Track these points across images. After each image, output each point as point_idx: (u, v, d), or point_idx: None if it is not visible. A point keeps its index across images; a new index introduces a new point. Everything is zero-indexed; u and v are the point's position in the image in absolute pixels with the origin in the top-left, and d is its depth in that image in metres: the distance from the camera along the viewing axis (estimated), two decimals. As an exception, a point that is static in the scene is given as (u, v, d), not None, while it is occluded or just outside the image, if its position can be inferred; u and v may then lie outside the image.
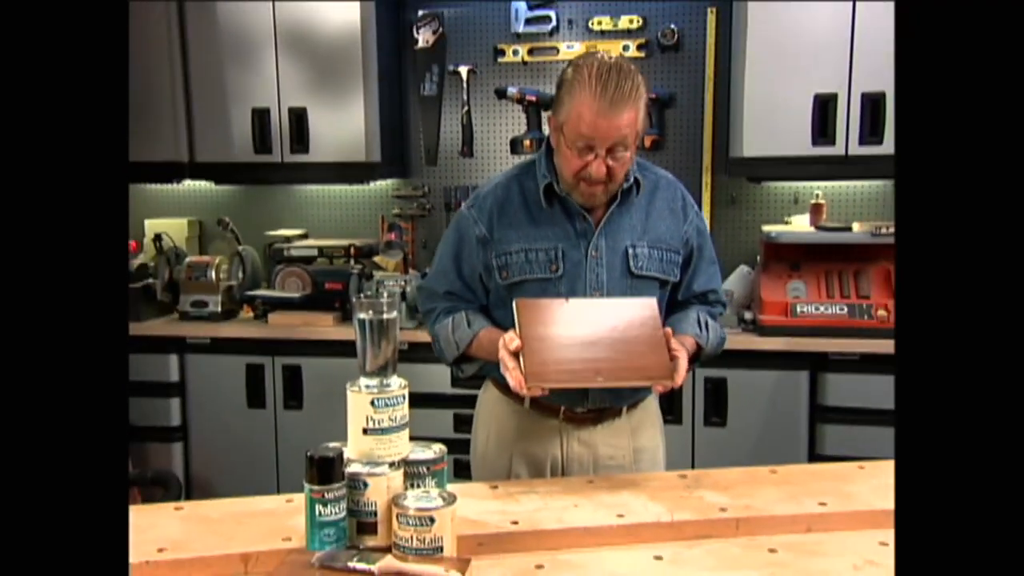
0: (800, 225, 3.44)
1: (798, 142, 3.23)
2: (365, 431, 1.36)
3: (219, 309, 3.58)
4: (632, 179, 1.79)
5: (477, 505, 1.53)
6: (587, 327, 1.65)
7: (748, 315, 3.25)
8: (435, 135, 3.87)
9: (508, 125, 3.80)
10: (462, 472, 3.24)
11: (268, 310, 3.54)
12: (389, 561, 1.28)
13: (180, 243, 3.85)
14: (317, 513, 1.32)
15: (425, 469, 1.41)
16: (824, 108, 3.19)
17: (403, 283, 3.42)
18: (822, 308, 3.14)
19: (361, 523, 1.35)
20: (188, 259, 3.66)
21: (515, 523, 1.46)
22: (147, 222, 3.97)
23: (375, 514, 1.35)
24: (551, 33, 3.69)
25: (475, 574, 1.31)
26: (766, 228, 3.36)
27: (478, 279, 1.84)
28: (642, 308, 1.70)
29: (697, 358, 1.84)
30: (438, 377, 3.32)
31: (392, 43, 3.77)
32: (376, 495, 1.34)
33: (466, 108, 3.79)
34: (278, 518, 1.49)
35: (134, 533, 1.39)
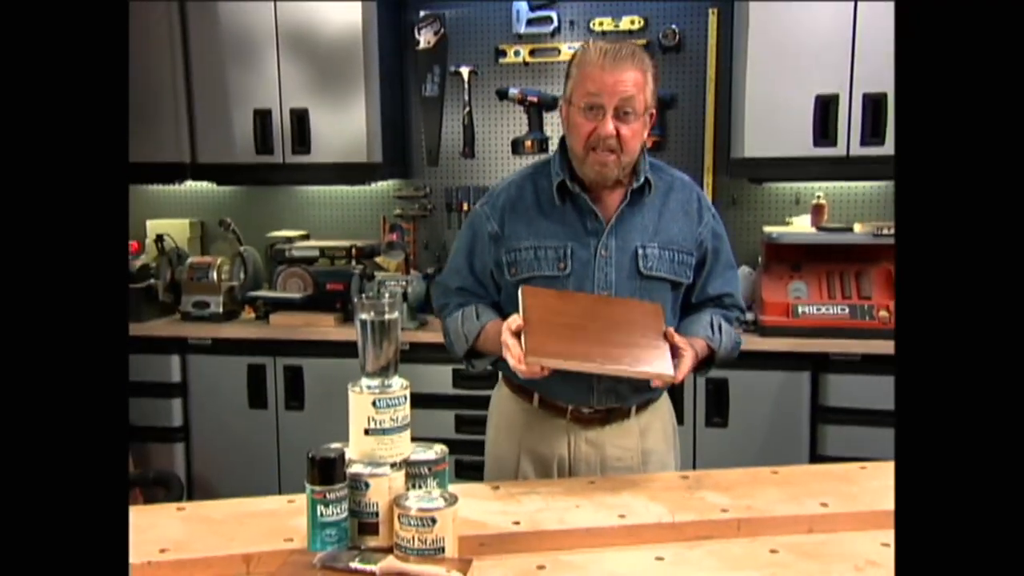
0: (801, 226, 3.44)
1: (799, 143, 3.22)
2: (367, 432, 1.36)
3: (221, 310, 3.58)
4: (643, 178, 1.79)
5: (479, 506, 1.54)
6: (591, 318, 1.65)
7: (749, 316, 3.24)
8: (436, 136, 3.87)
9: (509, 126, 3.80)
10: (464, 473, 3.25)
11: (269, 311, 3.54)
12: (390, 562, 1.28)
13: (182, 244, 3.85)
14: (319, 514, 1.32)
15: (427, 470, 1.41)
16: (825, 109, 3.19)
17: (404, 284, 3.42)
18: (823, 309, 3.14)
19: (363, 524, 1.35)
20: (190, 260, 3.67)
21: (517, 524, 1.46)
22: (149, 223, 3.97)
23: (377, 515, 1.35)
24: (552, 34, 3.69)
25: (477, 575, 1.31)
26: (767, 229, 3.36)
27: (490, 276, 1.86)
28: (648, 309, 1.70)
29: (710, 362, 1.83)
30: (440, 378, 3.32)
31: (393, 44, 3.77)
32: (377, 496, 1.35)
33: (467, 109, 3.79)
34: (280, 519, 1.49)
35: (136, 533, 1.39)
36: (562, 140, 1.84)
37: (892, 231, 3.10)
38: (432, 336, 3.32)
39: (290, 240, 3.74)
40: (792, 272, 3.26)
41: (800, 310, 3.14)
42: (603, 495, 1.60)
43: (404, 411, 1.38)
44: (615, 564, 1.38)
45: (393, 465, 1.37)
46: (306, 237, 3.89)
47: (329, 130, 3.56)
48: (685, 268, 1.82)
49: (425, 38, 3.79)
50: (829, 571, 1.35)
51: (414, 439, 1.43)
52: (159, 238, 3.70)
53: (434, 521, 1.29)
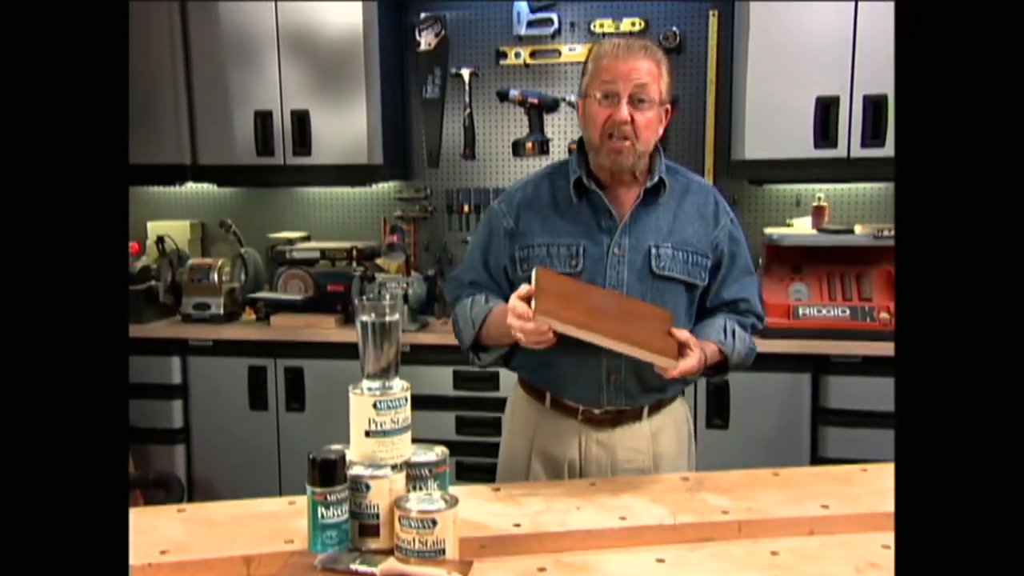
0: (802, 228, 3.44)
1: (800, 145, 3.23)
2: (367, 433, 1.36)
3: (221, 311, 3.58)
4: (658, 177, 1.80)
5: (479, 507, 1.54)
6: (603, 304, 1.66)
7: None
8: (437, 137, 3.88)
9: (510, 128, 3.80)
10: (465, 474, 3.25)
11: (270, 312, 3.54)
12: (391, 563, 1.28)
13: (182, 245, 3.85)
14: (319, 515, 1.32)
15: (427, 471, 1.41)
16: (826, 111, 3.19)
17: (405, 285, 3.42)
18: (824, 310, 3.14)
19: (363, 525, 1.35)
20: (190, 261, 3.67)
21: (517, 525, 1.46)
22: (150, 224, 3.97)
23: (377, 516, 1.35)
24: (553, 36, 3.70)
25: (477, 576, 1.31)
26: (768, 231, 3.36)
27: (503, 272, 1.87)
28: (659, 313, 1.71)
29: (724, 367, 1.83)
30: (440, 379, 3.32)
31: (394, 46, 3.77)
32: (378, 497, 1.35)
33: (468, 111, 3.80)
34: (280, 520, 1.49)
35: (136, 535, 1.39)
36: (580, 141, 1.85)
37: (893, 233, 3.10)
38: (433, 338, 3.32)
39: (291, 242, 3.74)
40: (793, 274, 3.26)
41: (801, 312, 3.14)
42: (604, 497, 1.60)
43: (405, 413, 1.38)
44: (616, 566, 1.38)
45: (394, 467, 1.37)
46: (307, 239, 3.89)
47: (330, 132, 3.56)
48: (699, 270, 1.82)
49: (426, 40, 3.79)
50: (830, 573, 1.35)
51: (415, 441, 1.43)
52: (160, 240, 3.70)
53: (435, 523, 1.29)
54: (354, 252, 3.57)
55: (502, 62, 3.75)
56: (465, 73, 3.77)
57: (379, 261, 3.73)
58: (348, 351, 3.31)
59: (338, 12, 3.49)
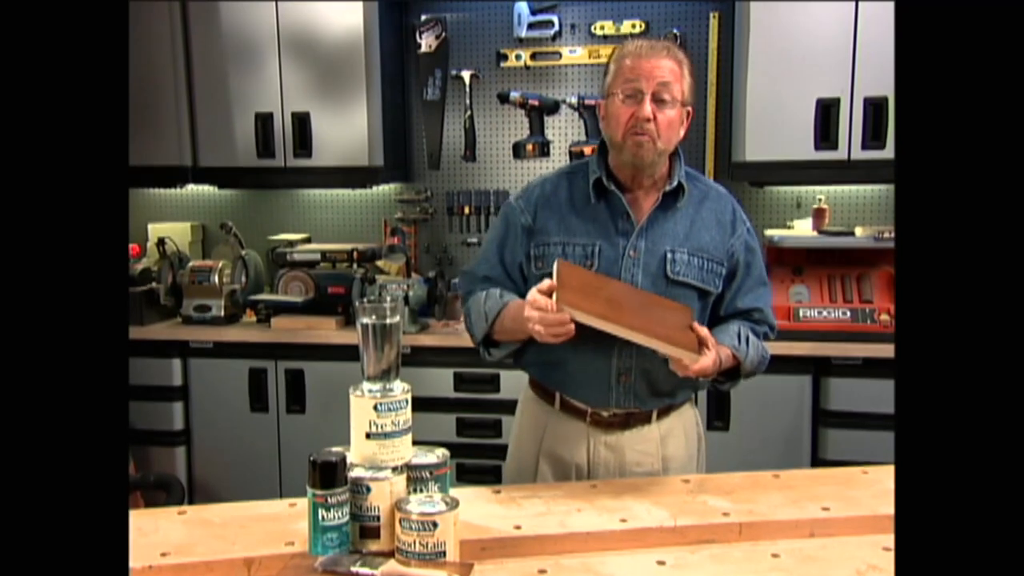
0: (803, 229, 3.43)
1: (800, 147, 3.23)
2: (368, 435, 1.36)
3: (222, 313, 3.58)
4: (677, 182, 1.80)
5: (480, 509, 1.53)
6: (624, 298, 1.66)
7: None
8: (438, 139, 3.88)
9: (511, 129, 3.80)
10: (465, 476, 3.25)
11: (271, 314, 3.54)
12: (392, 566, 1.28)
13: (183, 247, 3.85)
14: (320, 517, 1.32)
15: (428, 473, 1.41)
16: (827, 113, 3.19)
17: (406, 287, 3.42)
18: (825, 312, 3.14)
19: (364, 527, 1.35)
20: (191, 263, 3.67)
21: (518, 528, 1.46)
22: (150, 226, 3.98)
23: (378, 518, 1.35)
24: (554, 38, 3.70)
25: (478, 579, 1.31)
26: (769, 232, 3.36)
27: (518, 268, 1.87)
28: (679, 308, 1.71)
29: (736, 374, 1.82)
30: (441, 381, 3.32)
31: (395, 48, 3.78)
32: (379, 499, 1.34)
33: (469, 112, 3.80)
34: (281, 522, 1.49)
35: (137, 537, 1.40)
36: (602, 142, 1.85)
37: (893, 235, 3.10)
38: (433, 340, 3.32)
39: (291, 244, 3.74)
40: (793, 276, 3.26)
41: (802, 314, 3.14)
42: (604, 499, 1.60)
43: (405, 415, 1.38)
44: (617, 568, 1.38)
45: (394, 469, 1.37)
46: (307, 240, 3.89)
47: (330, 134, 3.56)
48: (714, 277, 1.81)
49: (426, 42, 3.79)
50: (830, 575, 1.35)
51: (415, 443, 1.43)
52: (160, 241, 3.70)
53: (435, 525, 1.29)
54: (355, 254, 3.57)
55: (503, 64, 3.75)
56: (466, 75, 3.77)
57: (380, 263, 3.73)
58: (349, 353, 3.31)
59: (339, 14, 3.49)
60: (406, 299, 3.38)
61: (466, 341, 3.20)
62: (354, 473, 1.36)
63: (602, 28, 3.64)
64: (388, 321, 1.39)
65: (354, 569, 1.27)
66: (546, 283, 1.62)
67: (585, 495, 1.63)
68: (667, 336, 1.61)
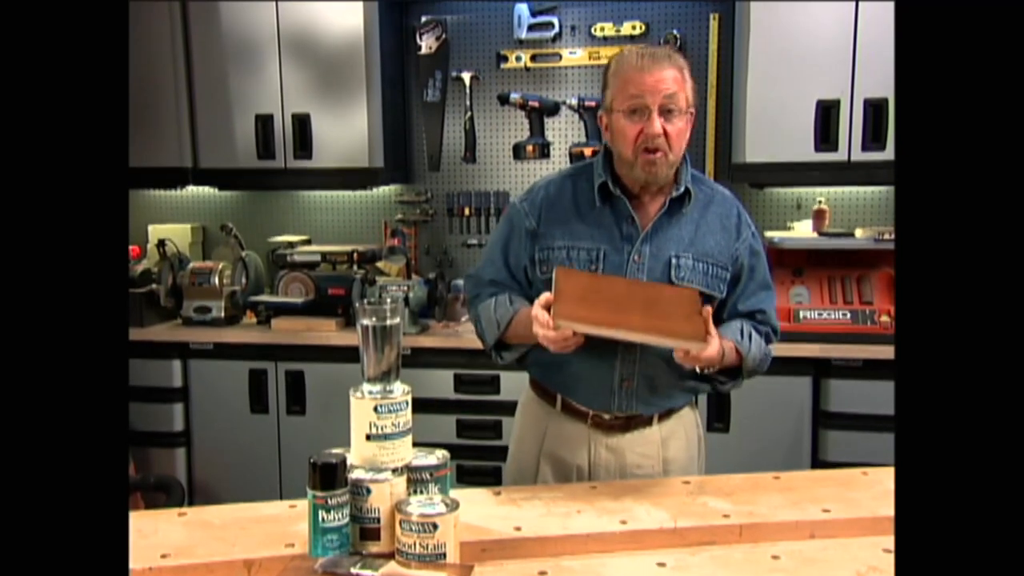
0: (803, 231, 3.43)
1: (801, 148, 3.23)
2: (368, 437, 1.36)
3: (222, 314, 3.58)
4: (684, 187, 1.79)
5: (480, 511, 1.53)
6: (625, 296, 1.65)
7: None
8: (438, 141, 3.88)
9: (511, 131, 3.80)
10: (465, 478, 3.25)
11: (271, 315, 3.54)
12: (392, 567, 1.28)
13: (183, 249, 3.85)
14: (320, 519, 1.32)
15: (428, 475, 1.41)
16: (827, 114, 3.20)
17: (406, 288, 3.42)
18: (825, 314, 3.14)
19: (364, 529, 1.35)
20: (191, 265, 3.67)
21: (518, 529, 1.46)
22: (151, 227, 3.98)
23: (378, 520, 1.35)
24: (554, 39, 3.70)
25: (478, 580, 1.31)
26: (769, 234, 3.35)
27: (523, 271, 1.86)
28: (684, 294, 1.70)
29: (738, 373, 1.81)
30: (441, 383, 3.32)
31: (395, 49, 3.78)
32: (379, 501, 1.34)
33: (469, 114, 3.80)
34: (281, 524, 1.49)
35: (137, 539, 1.40)
36: (606, 145, 1.83)
37: (893, 236, 3.10)
38: (434, 341, 3.32)
39: (292, 245, 3.74)
40: (794, 277, 3.26)
41: (802, 315, 3.14)
42: (605, 500, 1.60)
43: (406, 416, 1.38)
44: (617, 570, 1.38)
45: (395, 470, 1.37)
46: (308, 242, 3.89)
47: (331, 135, 3.56)
48: (719, 282, 1.80)
49: (427, 43, 3.79)
50: (831, 577, 1.35)
51: (415, 444, 1.43)
52: (161, 243, 3.71)
53: (435, 527, 1.29)
54: (355, 255, 3.57)
55: (503, 65, 3.75)
56: (466, 76, 3.77)
57: (380, 264, 3.73)
58: (349, 354, 3.31)
59: (339, 15, 3.49)
60: (406, 300, 3.38)
61: (466, 343, 3.23)
62: (354, 475, 1.36)
63: (602, 30, 3.64)
64: (388, 323, 1.38)
65: (354, 571, 1.27)
66: (545, 296, 1.62)
67: (585, 497, 1.63)
68: (671, 330, 1.60)
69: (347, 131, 3.55)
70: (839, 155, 3.21)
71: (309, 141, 3.57)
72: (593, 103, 3.53)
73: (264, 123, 3.59)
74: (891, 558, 1.38)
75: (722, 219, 1.84)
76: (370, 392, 1.37)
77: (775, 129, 3.23)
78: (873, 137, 3.18)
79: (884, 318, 3.09)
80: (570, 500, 1.60)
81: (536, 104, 3.66)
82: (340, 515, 1.33)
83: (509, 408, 2.12)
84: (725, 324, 1.83)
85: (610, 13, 3.65)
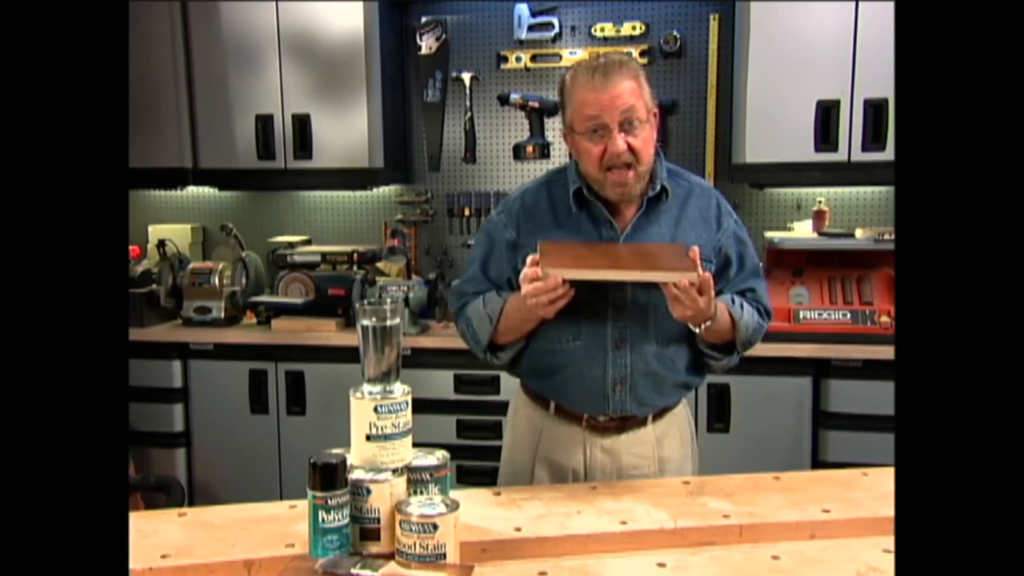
0: (803, 231, 3.43)
1: (801, 148, 3.23)
2: (368, 437, 1.36)
3: (222, 315, 3.58)
4: (659, 186, 1.77)
5: (480, 511, 1.53)
6: (613, 249, 1.68)
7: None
8: (438, 141, 3.88)
9: (511, 131, 3.80)
10: (465, 478, 3.24)
11: (271, 316, 3.54)
12: (392, 568, 1.28)
13: (184, 249, 3.85)
14: (320, 519, 1.32)
15: (428, 475, 1.41)
16: (827, 114, 3.20)
17: (406, 289, 3.42)
18: (825, 314, 3.14)
19: (364, 529, 1.35)
20: (191, 265, 3.67)
21: (518, 529, 1.46)
22: (151, 228, 3.98)
23: (378, 520, 1.35)
24: (554, 40, 3.70)
25: (478, 581, 1.31)
26: (769, 234, 3.36)
27: (506, 282, 1.84)
28: (671, 247, 1.70)
29: (731, 348, 1.79)
30: (441, 383, 3.32)
31: (395, 49, 3.78)
32: (379, 501, 1.34)
33: (469, 114, 3.80)
34: (281, 524, 1.49)
35: (137, 539, 1.40)
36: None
37: (893, 236, 3.10)
38: (434, 341, 3.32)
39: (292, 245, 3.74)
40: (794, 277, 3.26)
41: (802, 315, 3.14)
42: (605, 501, 1.60)
43: (406, 417, 1.38)
44: (617, 570, 1.38)
45: (395, 471, 1.37)
46: (308, 242, 3.89)
47: (331, 135, 3.57)
48: None
49: (427, 43, 3.79)
50: (831, 577, 1.35)
51: (415, 445, 1.43)
52: (161, 243, 3.71)
53: (435, 527, 1.29)
54: (355, 256, 3.57)
55: (503, 66, 3.75)
56: (466, 77, 3.77)
57: (380, 265, 3.73)
58: (349, 355, 3.31)
59: (339, 15, 3.49)
60: (406, 301, 3.38)
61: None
62: (354, 475, 1.36)
63: (602, 30, 3.64)
64: (388, 323, 1.38)
65: (354, 571, 1.27)
66: (531, 258, 1.62)
67: (585, 497, 1.62)
68: (663, 266, 1.60)
69: (347, 131, 3.55)
70: (839, 155, 3.21)
71: (309, 141, 3.57)
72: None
73: (264, 123, 3.59)
74: (891, 558, 1.38)
75: (702, 211, 1.82)
76: (370, 392, 1.37)
77: (775, 129, 3.23)
78: (873, 137, 3.18)
79: (884, 318, 3.09)
80: (570, 500, 1.60)
81: (536, 104, 3.66)
82: (340, 515, 1.32)
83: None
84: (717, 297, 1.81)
85: (610, 13, 3.65)
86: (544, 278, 1.57)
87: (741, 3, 3.28)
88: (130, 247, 3.84)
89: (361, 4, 3.47)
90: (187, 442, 3.58)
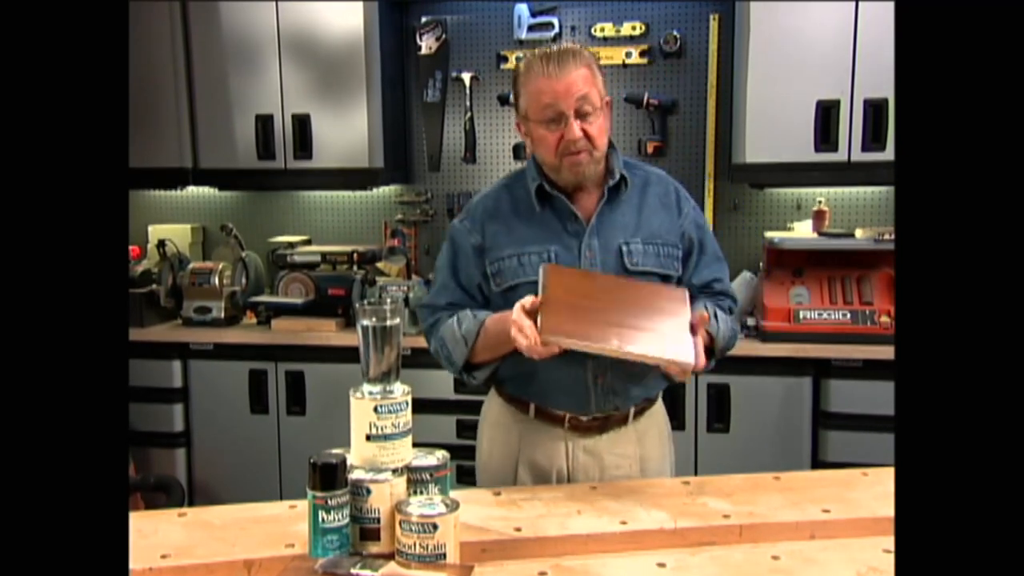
0: (803, 231, 3.43)
1: (801, 148, 3.23)
2: (368, 437, 1.36)
3: (222, 315, 3.58)
4: (619, 175, 1.79)
5: (480, 511, 1.53)
6: (613, 300, 1.62)
7: (751, 321, 3.24)
8: (438, 141, 3.88)
9: (511, 131, 3.80)
10: (465, 478, 3.24)
11: (271, 316, 3.54)
12: (392, 568, 1.28)
13: (184, 249, 3.85)
14: (320, 519, 1.32)
15: (428, 475, 1.41)
16: (827, 114, 3.20)
17: (406, 289, 3.42)
18: (825, 314, 3.14)
19: (364, 530, 1.35)
20: (191, 265, 3.67)
21: (518, 530, 1.46)
22: (151, 228, 3.98)
23: (378, 521, 1.35)
24: (554, 39, 3.69)
25: (478, 581, 1.31)
26: (769, 234, 3.36)
27: (477, 288, 1.83)
28: (675, 295, 1.68)
29: (711, 352, 1.77)
30: (441, 383, 3.32)
31: (395, 49, 3.78)
32: (379, 502, 1.34)
33: (469, 114, 3.80)
34: (281, 524, 1.49)
35: (137, 539, 1.40)
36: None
37: (893, 236, 3.10)
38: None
39: (292, 245, 3.74)
40: (794, 277, 3.26)
41: (802, 315, 3.14)
42: (605, 501, 1.60)
43: (406, 417, 1.38)
44: (617, 570, 1.38)
45: (395, 471, 1.37)
46: (308, 242, 3.89)
47: (331, 135, 3.57)
48: (672, 260, 1.81)
49: (427, 44, 3.79)
50: (831, 577, 1.35)
51: (415, 445, 1.42)
52: (161, 243, 3.71)
53: (435, 527, 1.29)
54: (355, 256, 3.58)
55: (503, 66, 3.75)
56: (466, 77, 3.77)
57: (380, 265, 3.73)
58: (349, 355, 3.31)
59: (339, 15, 3.49)
60: (406, 301, 3.38)
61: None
62: (354, 475, 1.36)
63: (602, 30, 3.64)
64: (388, 323, 1.38)
65: (354, 571, 1.27)
66: (529, 300, 1.59)
67: (585, 497, 1.62)
68: (661, 347, 1.57)
69: (347, 131, 3.55)
70: (839, 155, 3.21)
71: (309, 141, 3.57)
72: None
73: (264, 123, 3.59)
74: (891, 558, 1.38)
75: (661, 198, 1.85)
76: (370, 392, 1.37)
77: (775, 129, 3.23)
78: (873, 137, 3.18)
79: (884, 318, 3.09)
80: (570, 501, 1.60)
81: (536, 104, 3.65)
82: (340, 515, 1.32)
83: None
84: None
85: (610, 13, 3.65)
86: (542, 343, 1.54)
87: (741, 3, 3.28)
88: (130, 247, 3.84)
89: (361, 4, 3.47)
90: (187, 442, 3.58)
